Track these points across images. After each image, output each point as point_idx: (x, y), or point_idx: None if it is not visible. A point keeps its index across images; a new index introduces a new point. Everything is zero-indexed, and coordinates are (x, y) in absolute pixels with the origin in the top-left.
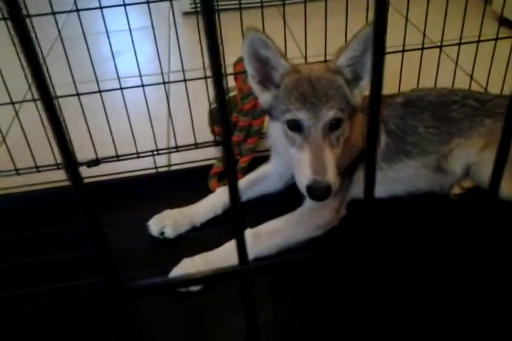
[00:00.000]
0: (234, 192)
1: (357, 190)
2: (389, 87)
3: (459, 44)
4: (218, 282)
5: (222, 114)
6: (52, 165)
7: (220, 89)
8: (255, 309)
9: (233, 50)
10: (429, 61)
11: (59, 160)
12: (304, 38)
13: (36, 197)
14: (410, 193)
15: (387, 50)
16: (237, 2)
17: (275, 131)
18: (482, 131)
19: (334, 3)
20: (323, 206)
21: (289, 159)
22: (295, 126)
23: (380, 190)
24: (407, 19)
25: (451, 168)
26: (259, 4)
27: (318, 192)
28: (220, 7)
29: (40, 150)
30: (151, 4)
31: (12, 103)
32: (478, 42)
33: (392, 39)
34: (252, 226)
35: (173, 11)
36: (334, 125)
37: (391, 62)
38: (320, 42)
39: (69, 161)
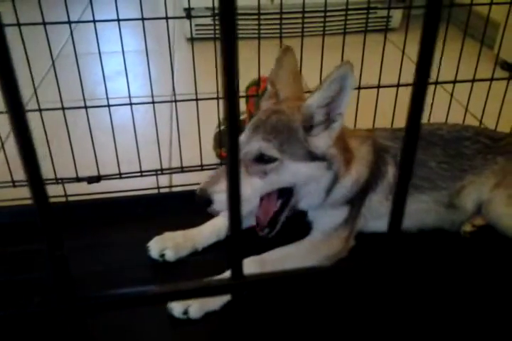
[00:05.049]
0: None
1: (363, 222)
2: (383, 120)
3: (454, 82)
4: (203, 296)
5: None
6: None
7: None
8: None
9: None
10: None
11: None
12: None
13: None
14: (419, 228)
15: (383, 84)
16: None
17: None
18: (495, 168)
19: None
20: (333, 236)
21: None
22: None
23: None
24: (403, 53)
25: (462, 204)
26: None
27: (198, 198)
28: (240, 35)
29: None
30: (157, 30)
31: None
32: (472, 81)
33: (390, 74)
34: (256, 253)
35: (168, 33)
36: (264, 160)
37: (387, 96)
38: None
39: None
